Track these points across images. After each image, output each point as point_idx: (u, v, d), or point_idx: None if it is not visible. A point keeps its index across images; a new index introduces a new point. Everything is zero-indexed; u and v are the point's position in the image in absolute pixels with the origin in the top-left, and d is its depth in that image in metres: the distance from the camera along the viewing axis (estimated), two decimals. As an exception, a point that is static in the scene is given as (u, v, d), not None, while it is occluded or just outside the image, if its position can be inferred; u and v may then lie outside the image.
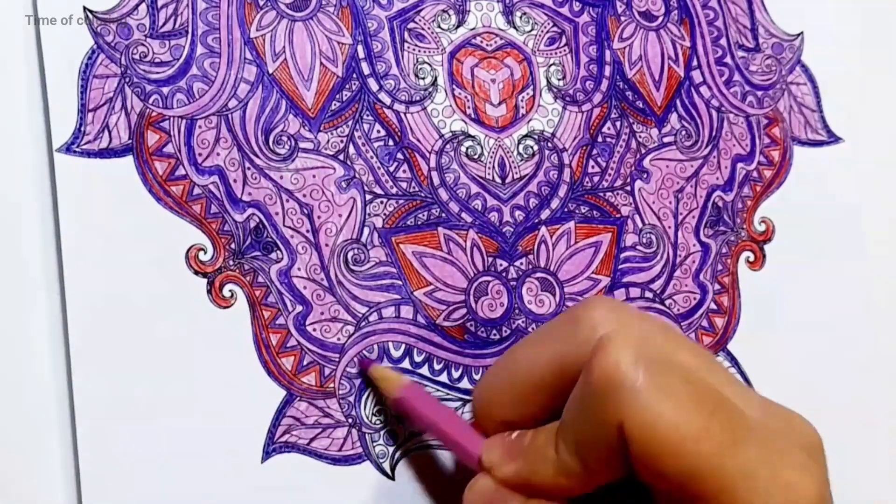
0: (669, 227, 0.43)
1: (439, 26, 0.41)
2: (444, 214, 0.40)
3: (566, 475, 0.30)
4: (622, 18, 0.44)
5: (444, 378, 0.38)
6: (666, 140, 0.44)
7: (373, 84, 0.40)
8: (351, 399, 0.37)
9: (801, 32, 0.48)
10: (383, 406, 0.37)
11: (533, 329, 0.40)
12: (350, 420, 0.37)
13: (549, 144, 0.42)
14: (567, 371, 0.31)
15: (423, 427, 0.37)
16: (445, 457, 0.38)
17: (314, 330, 0.37)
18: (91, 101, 0.36)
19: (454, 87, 0.41)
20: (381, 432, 0.37)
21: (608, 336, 0.29)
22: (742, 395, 0.30)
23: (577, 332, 0.32)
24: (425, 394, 0.37)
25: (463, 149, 0.40)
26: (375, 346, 0.38)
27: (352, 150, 0.39)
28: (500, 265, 0.40)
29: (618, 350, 0.29)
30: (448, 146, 0.40)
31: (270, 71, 0.38)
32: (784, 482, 0.28)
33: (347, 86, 0.39)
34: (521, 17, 0.42)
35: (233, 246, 0.37)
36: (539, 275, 0.41)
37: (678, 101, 0.44)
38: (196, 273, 0.36)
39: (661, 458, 0.28)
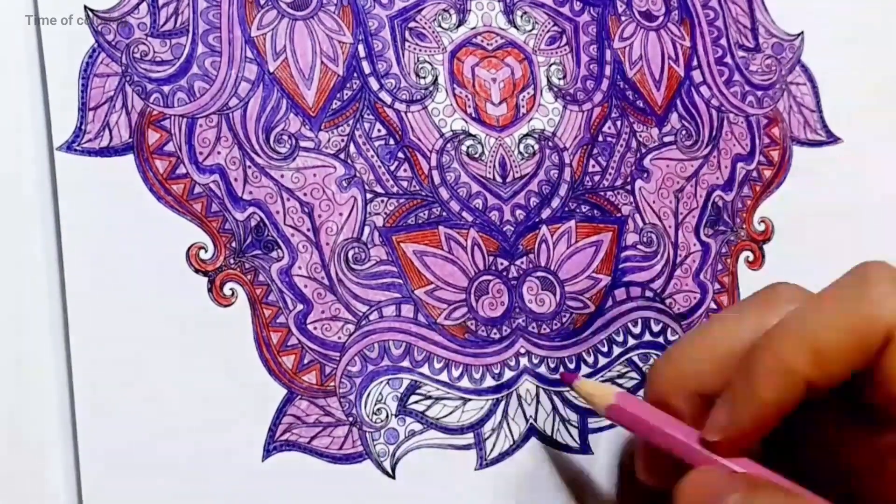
0: (670, 227, 0.43)
1: (440, 25, 0.41)
2: (444, 213, 0.40)
3: (789, 374, 0.29)
4: (622, 18, 0.44)
5: (444, 377, 0.38)
6: (666, 140, 0.44)
7: (373, 83, 0.40)
8: (351, 398, 0.37)
9: (801, 32, 0.48)
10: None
11: (533, 328, 0.40)
12: (351, 419, 0.37)
13: (550, 144, 0.42)
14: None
15: (639, 433, 0.35)
16: (446, 456, 0.38)
17: (315, 328, 0.37)
18: (92, 99, 0.36)
19: (455, 86, 0.41)
20: (382, 431, 0.37)
21: (872, 264, 0.30)
22: None
23: (773, 307, 0.32)
24: (636, 400, 0.36)
25: (464, 148, 0.40)
26: (376, 345, 0.38)
27: (352, 149, 0.39)
28: (501, 264, 0.40)
29: (886, 266, 0.30)
30: (449, 145, 0.40)
31: (271, 70, 0.38)
32: None
33: (348, 85, 0.39)
34: (521, 17, 0.42)
35: (233, 244, 0.37)
36: (539, 274, 0.41)
37: (678, 101, 0.44)
38: (197, 271, 0.36)
39: None
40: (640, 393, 0.41)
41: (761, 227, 0.45)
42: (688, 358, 0.34)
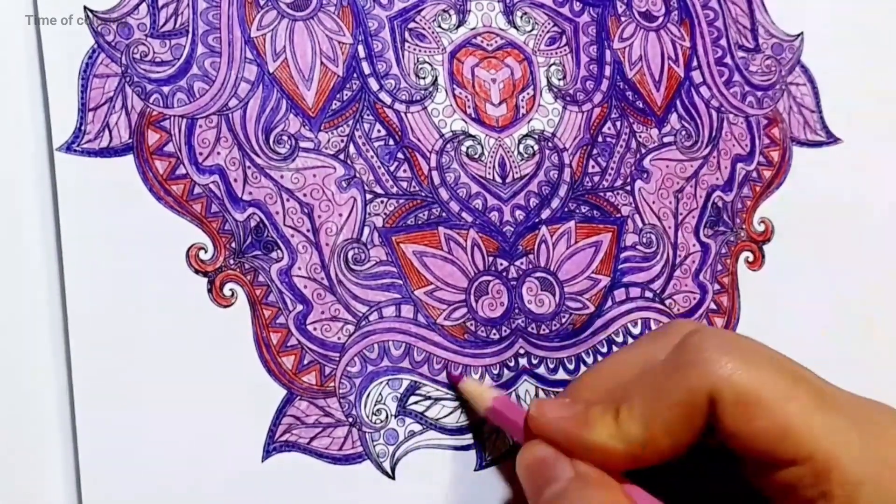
0: (669, 227, 0.43)
1: (440, 26, 0.41)
2: (444, 214, 0.40)
3: (622, 441, 0.32)
4: (622, 18, 0.44)
5: (443, 377, 0.38)
6: (666, 140, 0.44)
7: (373, 84, 0.40)
8: (351, 398, 0.37)
9: (801, 33, 0.48)
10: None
11: (533, 328, 0.40)
12: (350, 419, 0.37)
13: (550, 144, 0.42)
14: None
15: (512, 433, 0.37)
16: (446, 456, 0.38)
17: (315, 329, 0.37)
18: (91, 100, 0.36)
19: (454, 86, 0.41)
20: (382, 431, 0.37)
21: (701, 326, 0.33)
22: (828, 384, 0.32)
23: (665, 338, 0.34)
24: (513, 405, 0.37)
25: (463, 148, 0.40)
26: (376, 346, 0.38)
27: (352, 149, 0.39)
28: (501, 264, 0.40)
29: (709, 332, 0.32)
30: (448, 146, 0.40)
31: (271, 70, 0.38)
32: (882, 457, 0.30)
33: (348, 85, 0.39)
34: (521, 17, 0.42)
35: (233, 245, 0.37)
36: (539, 274, 0.41)
37: (678, 102, 0.44)
38: (197, 272, 0.36)
39: (754, 417, 0.30)
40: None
41: (761, 228, 0.45)
42: (586, 388, 0.36)
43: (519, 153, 0.41)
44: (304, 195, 0.38)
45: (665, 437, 0.31)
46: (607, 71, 0.43)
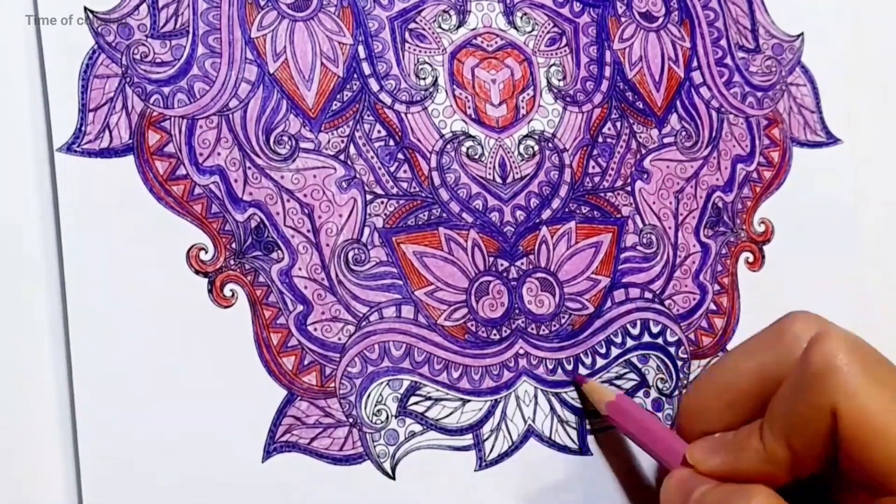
0: (670, 228, 0.43)
1: (440, 26, 0.41)
2: (444, 214, 0.40)
3: (771, 462, 0.32)
4: (622, 19, 0.44)
5: (443, 378, 0.38)
6: (666, 141, 0.44)
7: (373, 84, 0.40)
8: (352, 399, 0.37)
9: (802, 34, 0.48)
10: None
11: (532, 329, 0.40)
12: (351, 420, 0.37)
13: (550, 145, 0.42)
14: (769, 381, 0.33)
15: (629, 434, 0.38)
16: (446, 456, 0.38)
17: (315, 330, 0.37)
18: (92, 100, 0.35)
19: (455, 87, 0.41)
20: (382, 432, 0.37)
21: (824, 330, 0.32)
22: None
23: (780, 343, 0.34)
24: (633, 404, 0.38)
25: (463, 149, 0.40)
26: (376, 346, 0.38)
27: (352, 150, 0.39)
28: (501, 265, 0.40)
29: (834, 341, 0.31)
30: (449, 146, 0.40)
31: (271, 71, 0.38)
32: None
33: (348, 86, 0.39)
34: (521, 18, 0.42)
35: (234, 245, 0.37)
36: (539, 275, 0.41)
37: (678, 102, 0.44)
38: (197, 273, 0.36)
39: (872, 443, 0.30)
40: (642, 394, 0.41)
41: (761, 228, 0.45)
42: (696, 399, 0.36)
43: (519, 154, 0.41)
44: (305, 196, 0.38)
45: (808, 455, 0.31)
46: (607, 71, 0.43)
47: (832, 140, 0.48)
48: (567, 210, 0.41)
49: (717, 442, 0.34)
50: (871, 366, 0.31)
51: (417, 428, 0.38)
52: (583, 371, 0.41)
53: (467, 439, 0.38)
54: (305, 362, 0.37)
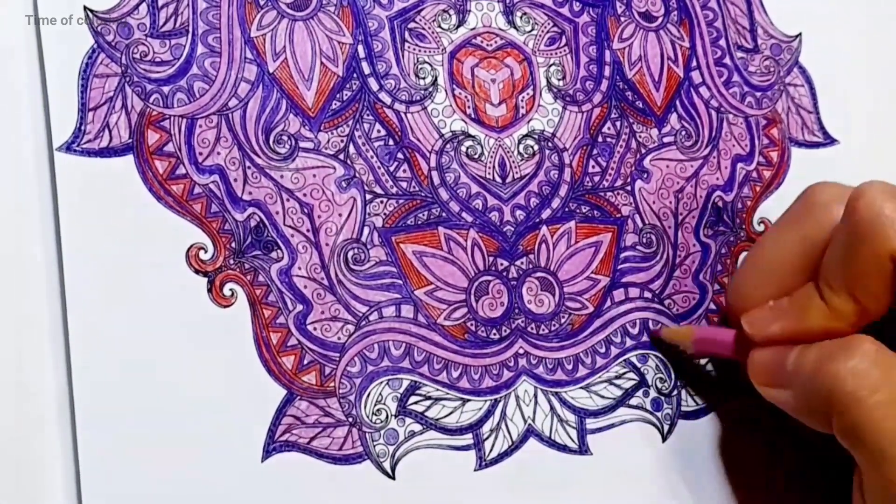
0: (669, 227, 0.43)
1: (440, 26, 0.41)
2: (444, 214, 0.40)
3: (838, 318, 0.34)
4: (622, 19, 0.44)
5: (443, 377, 0.38)
6: (666, 140, 0.44)
7: (373, 84, 0.40)
8: (351, 398, 0.37)
9: (800, 34, 0.48)
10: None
11: (532, 328, 0.40)
12: (350, 419, 0.37)
13: (550, 144, 0.42)
14: (811, 249, 0.35)
15: (726, 354, 0.39)
16: (446, 456, 0.38)
17: (315, 329, 0.37)
18: (91, 100, 0.36)
19: (454, 86, 0.41)
20: (382, 431, 0.37)
21: (864, 185, 0.33)
22: None
23: (813, 213, 0.36)
24: (712, 332, 0.40)
25: (463, 148, 0.40)
26: (376, 346, 0.38)
27: (352, 149, 0.39)
28: (501, 264, 0.40)
29: (877, 192, 0.33)
30: (448, 146, 0.40)
31: (271, 70, 0.38)
32: None
33: (348, 85, 0.39)
34: (521, 18, 0.42)
35: (233, 245, 0.37)
36: (539, 274, 0.41)
37: (678, 102, 0.44)
38: (196, 272, 0.36)
39: None
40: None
41: (761, 228, 0.45)
42: (741, 283, 0.38)
43: (519, 153, 0.41)
44: (304, 195, 0.38)
45: (873, 303, 0.33)
46: (607, 71, 0.43)
47: (829, 140, 0.48)
48: (567, 209, 0.41)
49: (773, 310, 0.36)
50: None
51: (417, 427, 0.38)
52: (582, 371, 0.41)
53: (467, 439, 0.38)
54: (305, 362, 0.37)
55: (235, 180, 0.37)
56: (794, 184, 0.46)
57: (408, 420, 0.38)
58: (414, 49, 0.41)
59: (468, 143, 0.41)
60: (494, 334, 0.40)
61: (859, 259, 0.33)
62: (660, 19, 0.45)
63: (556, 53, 0.43)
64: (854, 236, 0.33)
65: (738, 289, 0.38)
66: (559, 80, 0.43)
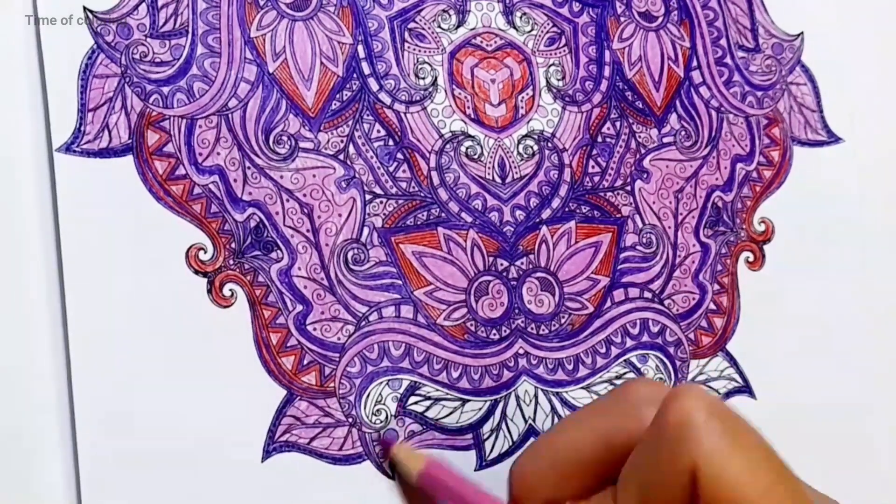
0: (669, 228, 0.43)
1: (439, 26, 0.41)
2: (443, 214, 0.40)
3: None
4: (622, 19, 0.44)
5: (443, 377, 0.38)
6: (665, 140, 0.44)
7: (373, 84, 0.40)
8: (351, 398, 0.37)
9: (802, 33, 0.48)
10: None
11: (532, 328, 0.40)
12: (350, 419, 0.37)
13: (549, 144, 0.42)
14: (611, 448, 0.32)
15: (447, 501, 0.35)
16: (446, 456, 0.38)
17: (314, 329, 0.37)
18: (91, 100, 0.36)
19: (454, 87, 0.41)
20: (382, 432, 0.37)
21: (682, 387, 0.30)
22: (800, 481, 0.31)
23: (623, 409, 0.32)
24: (448, 472, 0.35)
25: (463, 149, 0.40)
26: (376, 346, 0.38)
27: (352, 149, 0.39)
28: (501, 265, 0.40)
29: (692, 398, 0.29)
30: (448, 146, 0.40)
31: (271, 70, 0.38)
32: None
33: (348, 85, 0.39)
34: (521, 18, 0.42)
35: (233, 245, 0.37)
36: (539, 274, 0.41)
37: (678, 102, 0.44)
38: (196, 272, 0.36)
39: None
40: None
41: (761, 228, 0.45)
42: (531, 466, 0.34)
43: (518, 153, 0.41)
44: (304, 195, 0.38)
45: None
46: (606, 71, 0.43)
47: (833, 139, 0.48)
48: (567, 210, 0.41)
49: None
50: (729, 426, 0.29)
51: (417, 427, 0.38)
52: (583, 371, 0.41)
53: (467, 439, 0.38)
54: (305, 362, 0.37)
55: (235, 181, 0.37)
56: (798, 182, 0.46)
57: (408, 420, 0.38)
58: (414, 49, 0.40)
59: (468, 143, 0.40)
60: (494, 334, 0.40)
61: (658, 468, 0.29)
62: (660, 19, 0.45)
63: (555, 54, 0.43)
64: (657, 442, 0.30)
65: (525, 476, 0.34)
66: (559, 80, 0.42)
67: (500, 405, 0.39)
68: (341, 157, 0.39)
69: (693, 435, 0.29)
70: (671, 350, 0.42)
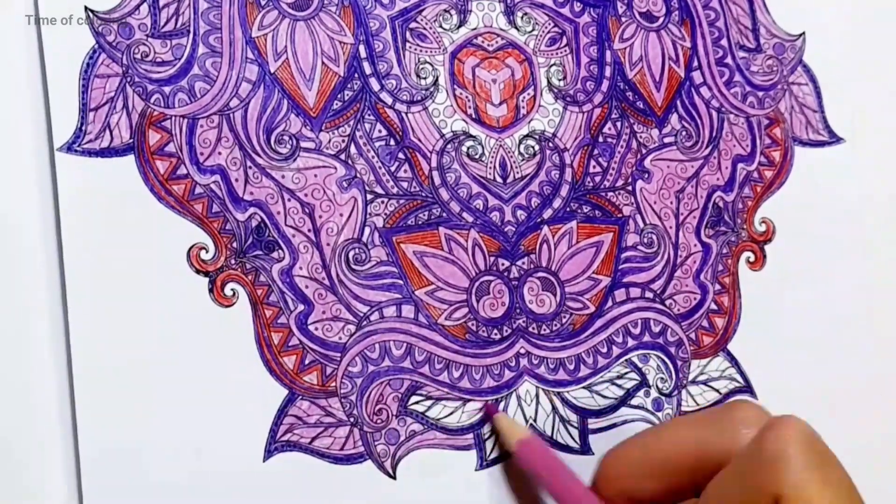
0: (671, 228, 0.43)
1: (441, 26, 0.41)
2: (444, 214, 0.40)
3: None
4: (623, 19, 0.44)
5: (444, 377, 0.38)
6: (666, 140, 0.44)
7: (374, 84, 0.40)
8: (353, 398, 0.37)
9: (803, 33, 0.48)
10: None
11: (533, 328, 0.40)
12: (352, 419, 0.37)
13: (551, 144, 0.42)
14: (708, 457, 0.33)
15: (539, 481, 0.37)
16: (447, 456, 0.38)
17: (316, 329, 0.37)
18: (92, 100, 0.36)
19: (455, 86, 0.41)
20: (383, 431, 0.37)
21: (784, 416, 0.31)
22: None
23: (723, 424, 0.33)
24: (545, 448, 0.37)
25: (464, 149, 0.40)
26: (377, 346, 0.38)
27: (353, 149, 0.39)
28: (502, 264, 0.40)
29: (791, 429, 0.30)
30: (449, 146, 0.40)
31: (272, 70, 0.38)
32: None
33: (349, 85, 0.39)
34: (522, 18, 0.42)
35: (234, 245, 0.37)
36: (540, 274, 0.41)
37: (678, 102, 0.44)
38: (198, 272, 0.36)
39: None
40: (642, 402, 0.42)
41: (762, 228, 0.45)
42: (624, 458, 0.36)
43: (520, 153, 0.41)
44: (306, 195, 0.38)
45: None
46: (608, 71, 0.43)
47: (835, 139, 0.48)
48: (568, 209, 0.41)
49: None
50: (821, 461, 0.30)
51: (418, 427, 0.38)
52: (584, 371, 0.41)
53: (468, 439, 0.38)
54: (306, 362, 0.37)
55: (237, 180, 0.37)
56: (799, 183, 0.46)
57: (409, 420, 0.38)
58: (415, 49, 0.40)
59: (469, 143, 0.40)
60: (495, 334, 0.40)
61: (744, 490, 0.31)
62: (661, 19, 0.45)
63: (556, 54, 0.43)
64: (748, 465, 0.31)
65: (614, 465, 0.36)
66: (560, 80, 0.42)
67: (501, 405, 0.39)
68: (342, 156, 0.39)
69: (783, 465, 0.30)
70: (672, 350, 0.42)
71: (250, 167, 0.37)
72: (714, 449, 0.33)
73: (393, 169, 0.39)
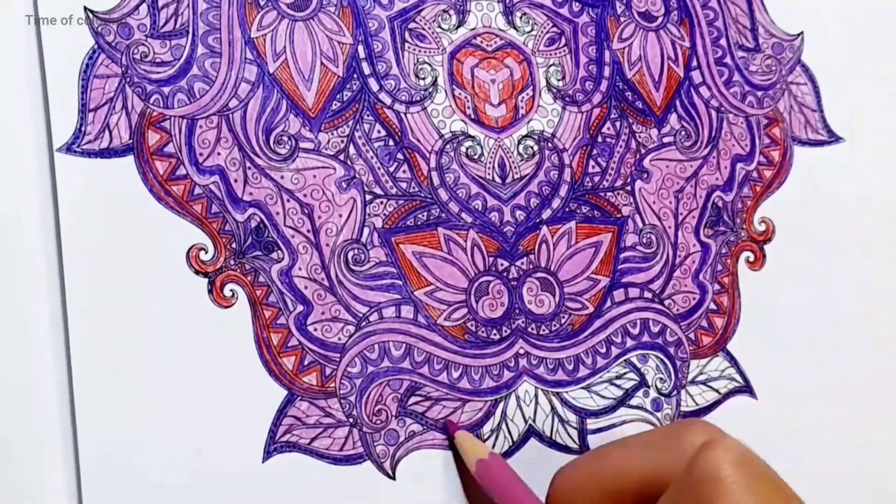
0: (669, 227, 0.43)
1: (440, 26, 0.41)
2: (443, 214, 0.40)
3: None
4: (622, 19, 0.44)
5: (443, 378, 0.39)
6: (665, 140, 0.44)
7: (373, 84, 0.40)
8: (352, 399, 0.37)
9: (802, 32, 0.48)
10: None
11: (532, 329, 0.40)
12: (351, 420, 0.37)
13: (550, 144, 0.42)
14: (657, 479, 0.33)
15: (497, 501, 0.37)
16: (446, 456, 0.38)
17: (315, 330, 0.37)
18: (92, 100, 0.36)
19: (454, 87, 0.41)
20: (382, 432, 0.37)
21: (715, 438, 0.31)
22: None
23: (674, 445, 0.33)
24: (505, 468, 0.37)
25: (463, 149, 0.40)
26: (376, 346, 0.38)
27: (352, 150, 0.39)
28: (502, 265, 0.40)
29: (721, 450, 0.30)
30: (448, 146, 0.40)
31: (271, 71, 0.38)
32: None
33: (348, 86, 0.39)
34: (521, 18, 0.42)
35: (234, 245, 0.37)
36: (539, 274, 0.41)
37: (678, 102, 0.44)
38: (197, 273, 0.36)
39: None
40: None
41: (762, 228, 0.45)
42: (575, 479, 0.35)
43: (518, 154, 0.41)
44: (305, 196, 0.38)
45: None
46: (606, 71, 0.43)
47: (834, 138, 0.48)
48: (567, 210, 0.41)
49: None
50: (756, 481, 0.30)
51: (417, 428, 0.38)
52: (583, 371, 0.41)
53: (467, 439, 0.38)
54: (305, 362, 0.37)
55: (236, 181, 0.37)
56: (798, 182, 0.46)
57: (408, 420, 0.38)
58: (414, 49, 0.41)
59: (468, 143, 0.41)
60: (495, 335, 0.40)
61: None
62: (660, 19, 0.45)
63: (555, 54, 0.43)
64: (686, 490, 0.31)
65: (567, 484, 0.36)
66: (559, 80, 0.42)
67: (501, 405, 0.39)
68: (341, 157, 0.39)
69: (717, 488, 0.30)
70: (671, 350, 0.42)
71: (249, 168, 0.37)
72: (662, 470, 0.33)
73: (392, 169, 0.39)
